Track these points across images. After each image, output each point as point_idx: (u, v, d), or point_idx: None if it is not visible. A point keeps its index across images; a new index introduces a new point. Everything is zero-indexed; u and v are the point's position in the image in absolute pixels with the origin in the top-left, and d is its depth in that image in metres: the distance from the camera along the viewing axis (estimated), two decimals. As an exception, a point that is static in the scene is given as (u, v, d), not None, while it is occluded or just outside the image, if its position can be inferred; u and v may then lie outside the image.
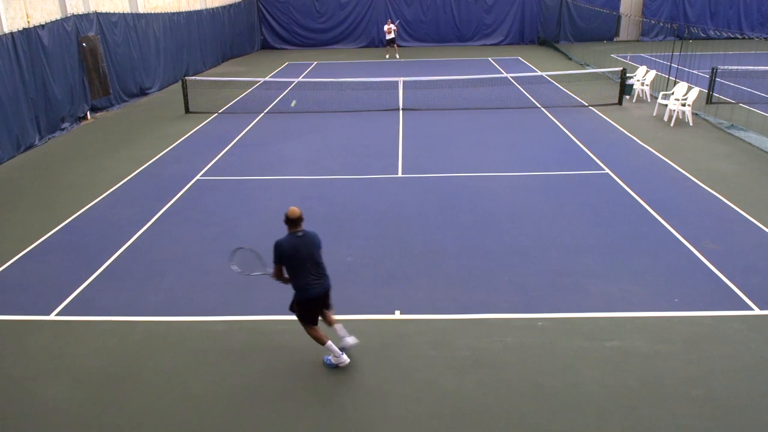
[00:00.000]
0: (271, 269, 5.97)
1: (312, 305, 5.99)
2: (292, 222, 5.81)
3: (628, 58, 26.81)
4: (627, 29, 34.41)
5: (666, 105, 15.92)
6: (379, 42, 34.18)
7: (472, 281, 7.78)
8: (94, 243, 9.12)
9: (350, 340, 6.08)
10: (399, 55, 29.57)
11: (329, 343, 6.03)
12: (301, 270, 5.84)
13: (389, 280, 7.84)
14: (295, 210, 5.84)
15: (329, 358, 6.15)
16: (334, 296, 7.43)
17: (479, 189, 11.04)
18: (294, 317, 6.19)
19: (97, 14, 17.66)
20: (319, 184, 11.62)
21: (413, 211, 10.11)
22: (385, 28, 29.78)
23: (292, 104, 9.57)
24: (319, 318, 6.16)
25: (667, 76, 19.92)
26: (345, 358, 6.10)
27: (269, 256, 5.89)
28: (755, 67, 20.52)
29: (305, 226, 5.93)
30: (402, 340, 6.57)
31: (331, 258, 8.39)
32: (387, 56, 29.57)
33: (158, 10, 21.97)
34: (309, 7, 33.81)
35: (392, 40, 29.59)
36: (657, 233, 9.04)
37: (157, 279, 8.01)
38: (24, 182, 12.03)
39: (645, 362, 6.07)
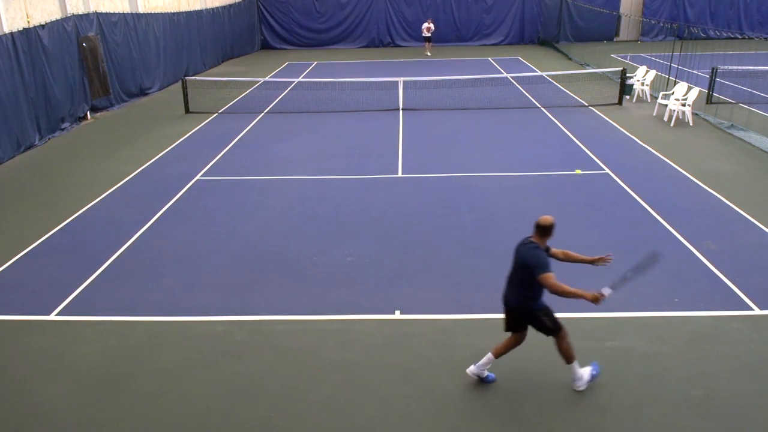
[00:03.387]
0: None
1: None
2: (543, 230, 5.40)
3: (628, 58, 26.81)
4: (627, 29, 34.39)
5: (666, 105, 15.92)
6: (378, 42, 34.20)
7: (472, 281, 7.77)
8: (94, 243, 9.12)
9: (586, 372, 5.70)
10: (430, 53, 30.33)
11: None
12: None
13: (389, 280, 7.84)
14: (548, 218, 5.42)
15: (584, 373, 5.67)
16: (335, 296, 7.48)
17: (479, 189, 11.04)
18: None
19: (97, 14, 17.65)
20: (319, 184, 11.62)
21: (413, 211, 10.10)
22: (424, 26, 30.36)
23: (577, 172, 9.81)
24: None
25: (667, 76, 19.91)
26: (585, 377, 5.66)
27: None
28: (755, 67, 20.50)
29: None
30: (402, 340, 6.56)
31: (331, 258, 8.45)
32: (428, 53, 30.38)
33: (158, 10, 21.96)
34: (309, 7, 33.80)
35: (429, 38, 30.29)
36: (657, 233, 9.03)
37: (157, 279, 8.01)
38: (24, 182, 12.03)
39: (645, 362, 6.07)
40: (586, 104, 17.80)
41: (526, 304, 5.47)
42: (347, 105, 18.21)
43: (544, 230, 5.41)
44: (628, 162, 12.39)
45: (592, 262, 5.69)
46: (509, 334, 5.71)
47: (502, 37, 34.11)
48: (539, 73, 22.73)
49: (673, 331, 6.59)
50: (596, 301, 5.13)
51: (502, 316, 5.70)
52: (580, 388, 5.66)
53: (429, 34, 30.34)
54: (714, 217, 9.62)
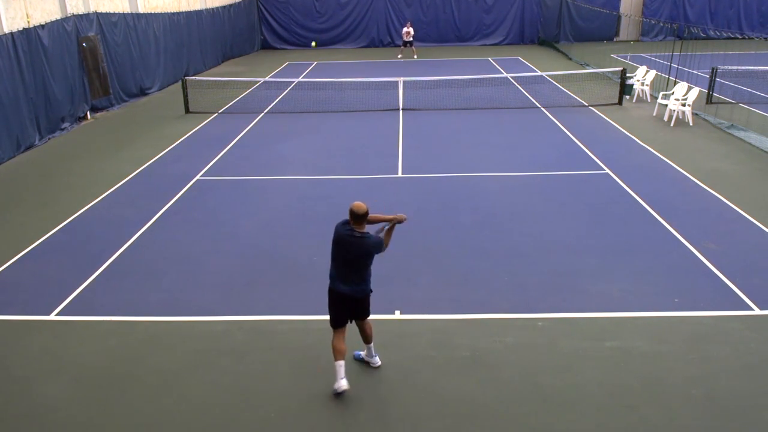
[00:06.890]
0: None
1: (336, 302, 5.73)
2: (355, 218, 5.51)
3: (628, 58, 26.80)
4: (627, 29, 34.39)
5: (666, 105, 15.92)
6: (378, 42, 34.20)
7: (472, 281, 7.77)
8: (94, 243, 9.12)
9: (344, 383, 5.64)
10: (416, 56, 29.61)
11: (340, 363, 5.64)
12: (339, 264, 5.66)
13: (389, 280, 7.83)
14: (360, 205, 5.51)
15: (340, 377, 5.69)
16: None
17: (479, 189, 11.04)
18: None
19: (97, 14, 17.66)
20: (319, 184, 11.62)
21: (413, 211, 10.07)
22: (404, 30, 29.88)
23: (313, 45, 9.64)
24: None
25: (667, 76, 19.91)
26: (342, 384, 5.61)
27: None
28: (755, 67, 20.50)
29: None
30: (402, 340, 6.56)
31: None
32: (399, 56, 29.74)
33: (158, 10, 21.97)
34: (309, 7, 33.80)
35: (410, 42, 29.80)
36: (657, 233, 9.03)
37: (157, 279, 8.01)
38: (24, 182, 12.03)
39: (645, 362, 6.07)
40: (586, 104, 17.80)
41: (368, 289, 5.81)
42: (347, 105, 18.21)
43: (362, 218, 5.57)
44: (628, 162, 12.39)
45: (389, 221, 5.91)
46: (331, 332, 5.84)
47: (502, 37, 34.12)
48: (539, 73, 22.73)
49: (673, 331, 6.59)
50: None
51: (336, 312, 5.82)
52: (377, 365, 6.10)
53: (411, 38, 29.74)
54: (714, 217, 9.62)
